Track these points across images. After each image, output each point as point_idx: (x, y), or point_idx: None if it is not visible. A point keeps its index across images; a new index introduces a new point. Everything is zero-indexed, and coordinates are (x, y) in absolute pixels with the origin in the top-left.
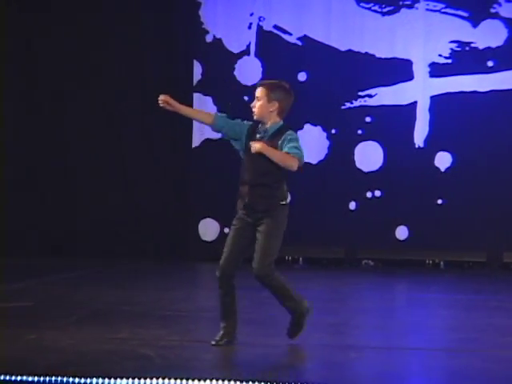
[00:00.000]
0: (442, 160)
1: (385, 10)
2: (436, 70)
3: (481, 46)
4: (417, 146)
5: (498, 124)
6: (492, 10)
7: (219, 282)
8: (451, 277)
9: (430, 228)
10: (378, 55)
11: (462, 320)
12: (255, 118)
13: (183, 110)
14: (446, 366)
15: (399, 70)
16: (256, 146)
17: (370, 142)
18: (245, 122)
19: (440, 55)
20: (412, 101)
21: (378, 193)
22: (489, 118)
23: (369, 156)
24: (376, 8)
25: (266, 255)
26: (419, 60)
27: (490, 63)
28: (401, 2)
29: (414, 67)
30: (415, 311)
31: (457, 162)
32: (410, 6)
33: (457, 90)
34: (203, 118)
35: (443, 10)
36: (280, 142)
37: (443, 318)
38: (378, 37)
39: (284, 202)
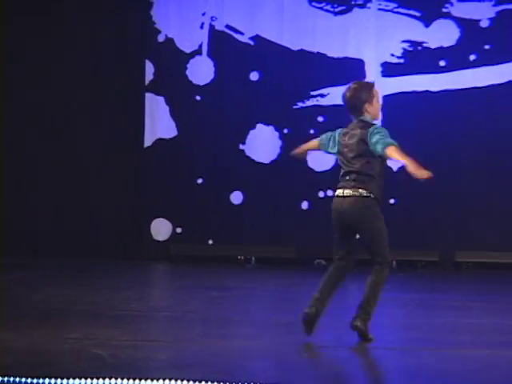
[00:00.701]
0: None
1: (337, 9)
2: (388, 70)
3: (433, 46)
4: None
5: (450, 123)
6: (444, 10)
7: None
8: (404, 276)
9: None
10: (330, 55)
11: (415, 319)
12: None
13: (303, 149)
14: (399, 365)
15: (351, 70)
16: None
17: None
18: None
19: (392, 55)
20: None
21: (330, 192)
22: (441, 117)
23: (321, 156)
24: (328, 8)
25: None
26: (371, 59)
27: (442, 63)
28: (353, 2)
29: (366, 67)
30: None
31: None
32: (362, 6)
33: (409, 90)
34: (313, 147)
35: (395, 10)
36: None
37: (397, 317)
38: (330, 36)
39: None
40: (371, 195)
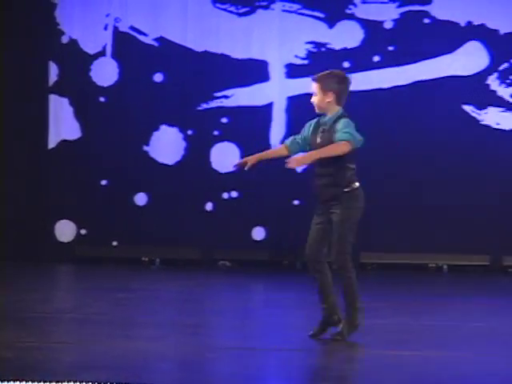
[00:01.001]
0: None
1: (241, 10)
2: (292, 71)
3: (337, 47)
4: (273, 147)
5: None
6: (348, 11)
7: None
8: (308, 277)
9: (287, 229)
10: (233, 56)
11: (316, 320)
12: (317, 112)
13: (263, 157)
14: (302, 366)
15: (255, 71)
16: (289, 165)
17: (227, 143)
18: (308, 122)
19: (296, 56)
20: (268, 101)
21: (234, 194)
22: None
23: (225, 157)
24: (232, 9)
25: (339, 244)
26: (275, 61)
27: (346, 64)
28: (257, 3)
29: (270, 68)
30: (272, 312)
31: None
32: (266, 7)
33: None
34: (280, 153)
35: (299, 11)
36: (333, 132)
37: (299, 318)
38: (234, 38)
39: (348, 189)
40: None
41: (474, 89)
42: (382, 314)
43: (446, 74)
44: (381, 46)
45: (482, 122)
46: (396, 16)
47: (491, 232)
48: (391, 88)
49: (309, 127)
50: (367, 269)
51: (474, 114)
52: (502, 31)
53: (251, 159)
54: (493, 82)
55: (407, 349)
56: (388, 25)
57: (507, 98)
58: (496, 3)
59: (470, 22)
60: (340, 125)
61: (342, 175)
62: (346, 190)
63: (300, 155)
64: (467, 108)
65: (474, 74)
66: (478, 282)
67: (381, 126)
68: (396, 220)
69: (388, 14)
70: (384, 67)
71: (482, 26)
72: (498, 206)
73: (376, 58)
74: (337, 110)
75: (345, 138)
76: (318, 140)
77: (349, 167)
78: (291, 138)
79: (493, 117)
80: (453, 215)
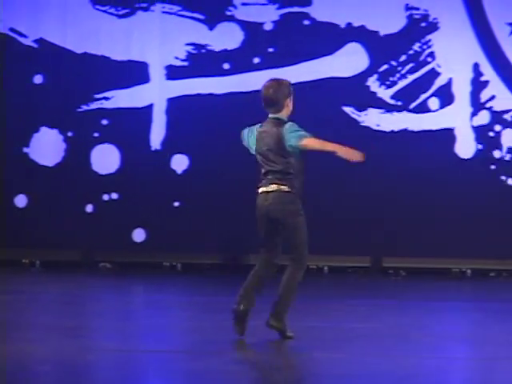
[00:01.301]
0: (179, 162)
1: (121, 12)
2: (172, 73)
3: (217, 49)
4: (153, 149)
5: (235, 126)
6: (228, 13)
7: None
8: (189, 279)
9: (167, 230)
10: (113, 58)
11: (199, 322)
12: None
13: None
14: (184, 368)
15: (135, 73)
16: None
17: (107, 145)
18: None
19: (176, 58)
20: (148, 103)
21: (114, 195)
22: (225, 120)
23: (105, 159)
24: (112, 11)
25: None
26: (155, 62)
27: (226, 65)
28: (137, 5)
29: (151, 70)
30: (153, 313)
31: (193, 165)
32: (146, 9)
33: (193, 93)
34: None
35: (179, 13)
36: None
37: (181, 319)
38: (113, 39)
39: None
40: (293, 191)
41: (354, 90)
42: (262, 315)
43: (326, 76)
44: (261, 47)
45: (363, 124)
46: (276, 18)
47: (372, 233)
48: None
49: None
50: (247, 270)
51: (354, 116)
52: (382, 33)
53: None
54: (373, 83)
55: (296, 351)
56: (268, 26)
57: (387, 99)
58: (376, 5)
59: (349, 24)
60: (286, 128)
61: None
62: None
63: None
64: (347, 109)
65: (354, 76)
66: (358, 283)
67: None
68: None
69: (268, 16)
70: (264, 69)
71: (362, 27)
72: (377, 206)
73: (256, 60)
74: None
75: (304, 136)
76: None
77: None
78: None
79: (373, 118)
80: (333, 216)
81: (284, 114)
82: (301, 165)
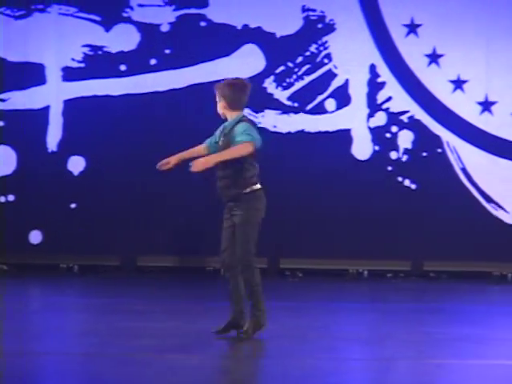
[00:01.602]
0: (75, 164)
1: (17, 13)
2: (69, 74)
3: (113, 50)
4: (50, 151)
5: (132, 127)
6: (124, 15)
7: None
8: (86, 281)
9: (64, 232)
10: (10, 59)
11: (96, 324)
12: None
13: (184, 157)
14: (80, 370)
15: (32, 74)
16: (193, 168)
17: (3, 147)
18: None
19: (73, 59)
20: (45, 105)
21: (11, 197)
22: (122, 121)
23: (1, 160)
24: (8, 12)
25: (243, 245)
26: (52, 64)
27: (122, 67)
28: (33, 6)
29: (47, 71)
30: (50, 315)
31: (90, 166)
32: (43, 10)
33: (90, 94)
34: (200, 153)
35: (76, 14)
36: (232, 136)
37: (78, 322)
38: (10, 41)
39: (248, 191)
40: None
41: (251, 92)
42: (157, 317)
43: (223, 77)
44: (157, 48)
45: (259, 125)
46: (172, 19)
47: (268, 234)
48: (168, 91)
49: (218, 131)
50: (144, 272)
51: (250, 117)
52: (279, 34)
53: (173, 159)
54: (269, 84)
55: (181, 352)
56: (164, 28)
57: (284, 100)
58: (272, 6)
59: (246, 25)
60: (239, 128)
61: (242, 176)
62: (245, 191)
63: (202, 158)
64: (244, 111)
65: (251, 77)
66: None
67: (156, 128)
68: (175, 223)
69: (164, 17)
70: (161, 70)
71: (259, 28)
72: (274, 207)
73: (153, 61)
74: (235, 114)
75: (245, 139)
76: (220, 143)
77: (248, 169)
78: (210, 139)
79: (270, 119)
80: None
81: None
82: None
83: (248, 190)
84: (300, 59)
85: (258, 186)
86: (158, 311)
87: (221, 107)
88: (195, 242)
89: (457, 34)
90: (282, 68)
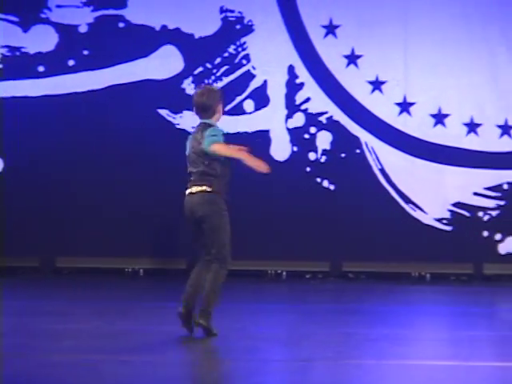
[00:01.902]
0: None
1: None
2: None
3: (31, 51)
4: None
5: (50, 128)
6: (42, 15)
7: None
8: (2, 282)
9: None
10: None
11: (15, 326)
12: None
13: None
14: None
15: None
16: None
17: None
18: None
19: None
20: None
21: None
22: (41, 122)
23: None
24: None
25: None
26: None
27: (41, 68)
28: None
29: None
30: None
31: (9, 167)
32: None
33: (9, 95)
34: None
35: None
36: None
37: None
38: None
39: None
40: (215, 192)
41: (170, 93)
42: (77, 318)
43: (141, 78)
44: (76, 50)
45: (178, 126)
46: (91, 20)
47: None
48: (86, 92)
49: None
50: (63, 273)
51: (169, 118)
52: (197, 35)
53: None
54: (188, 85)
55: (103, 353)
56: (83, 29)
57: None
58: (191, 7)
59: (164, 26)
60: (207, 132)
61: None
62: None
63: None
64: (163, 112)
65: (169, 78)
66: (174, 285)
67: (76, 129)
68: (93, 224)
69: (83, 18)
70: (79, 71)
71: (177, 29)
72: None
73: (71, 62)
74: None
75: (216, 141)
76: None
77: (222, 173)
78: None
79: (188, 121)
80: (147, 217)
81: (214, 119)
82: (223, 168)
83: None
84: (218, 60)
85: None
86: (78, 313)
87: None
88: (115, 242)
89: (375, 35)
90: (200, 69)
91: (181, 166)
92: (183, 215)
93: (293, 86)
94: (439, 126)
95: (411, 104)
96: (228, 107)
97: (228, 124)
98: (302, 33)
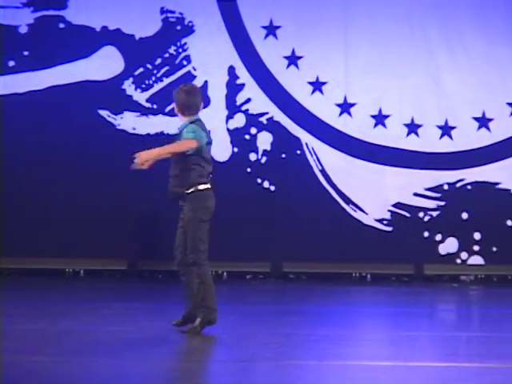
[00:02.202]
0: None
1: None
2: None
3: None
4: None
5: None
6: None
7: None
8: None
9: None
10: None
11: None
12: None
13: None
14: None
15: None
16: (138, 160)
17: None
18: None
19: None
20: None
21: None
22: None
23: None
24: None
25: (190, 243)
26: None
27: None
28: None
29: None
30: None
31: None
32: None
33: None
34: None
35: None
36: (180, 137)
37: None
38: None
39: (191, 190)
40: None
41: (110, 93)
42: (20, 319)
43: (81, 79)
44: (16, 50)
45: (119, 127)
46: (31, 21)
47: (129, 237)
48: (27, 93)
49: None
50: (4, 274)
51: (110, 119)
52: (138, 36)
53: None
54: (128, 86)
55: (48, 354)
56: (23, 29)
57: (143, 102)
58: (131, 8)
59: (105, 27)
60: (186, 129)
61: (187, 176)
62: (188, 191)
63: (146, 151)
64: (103, 113)
65: (110, 79)
66: (114, 286)
67: (17, 131)
68: (33, 225)
69: (23, 19)
70: (19, 72)
71: (118, 30)
72: (138, 206)
73: (11, 63)
74: (187, 118)
75: (188, 137)
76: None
77: (194, 169)
78: None
79: (129, 121)
80: (87, 218)
81: (197, 115)
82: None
83: (192, 189)
84: (159, 61)
85: (204, 186)
86: (17, 313)
87: (176, 112)
88: (55, 244)
89: (315, 36)
90: (141, 70)
91: (122, 165)
92: (207, 210)
93: (233, 87)
94: (380, 127)
95: (352, 105)
96: (168, 108)
97: (169, 124)
98: (243, 34)
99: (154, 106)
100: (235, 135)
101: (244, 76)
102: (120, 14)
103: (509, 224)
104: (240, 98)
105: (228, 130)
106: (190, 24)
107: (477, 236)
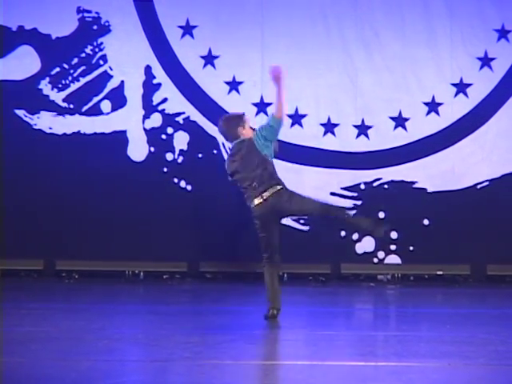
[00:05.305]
0: None
1: None
2: None
3: None
4: None
5: None
6: None
7: None
8: None
9: None
10: None
11: None
12: None
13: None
14: None
15: None
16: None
17: None
18: None
19: None
20: None
21: None
22: None
23: None
24: None
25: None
26: None
27: None
28: None
29: None
30: None
31: None
32: None
33: None
34: None
35: None
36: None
37: None
38: None
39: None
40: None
41: (26, 93)
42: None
43: None
44: None
45: (35, 127)
46: None
47: (44, 235)
48: None
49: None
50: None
51: (26, 119)
52: (54, 35)
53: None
54: (45, 86)
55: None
56: None
57: (59, 102)
58: (48, 8)
59: (21, 27)
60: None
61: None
62: None
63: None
64: (20, 112)
65: (26, 79)
66: (32, 287)
67: None
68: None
69: None
70: None
71: (34, 30)
72: (58, 207)
73: None
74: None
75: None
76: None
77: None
78: None
79: (45, 121)
80: (11, 218)
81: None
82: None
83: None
84: (75, 61)
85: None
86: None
87: (251, 132)
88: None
89: (232, 36)
90: (57, 69)
91: (38, 166)
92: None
93: (150, 87)
94: (296, 127)
95: (268, 104)
96: (85, 108)
97: (85, 125)
98: (159, 33)
99: (71, 106)
100: (152, 135)
101: (160, 76)
102: (36, 13)
103: (425, 223)
104: (157, 98)
105: (145, 129)
106: (107, 24)
107: (393, 235)
